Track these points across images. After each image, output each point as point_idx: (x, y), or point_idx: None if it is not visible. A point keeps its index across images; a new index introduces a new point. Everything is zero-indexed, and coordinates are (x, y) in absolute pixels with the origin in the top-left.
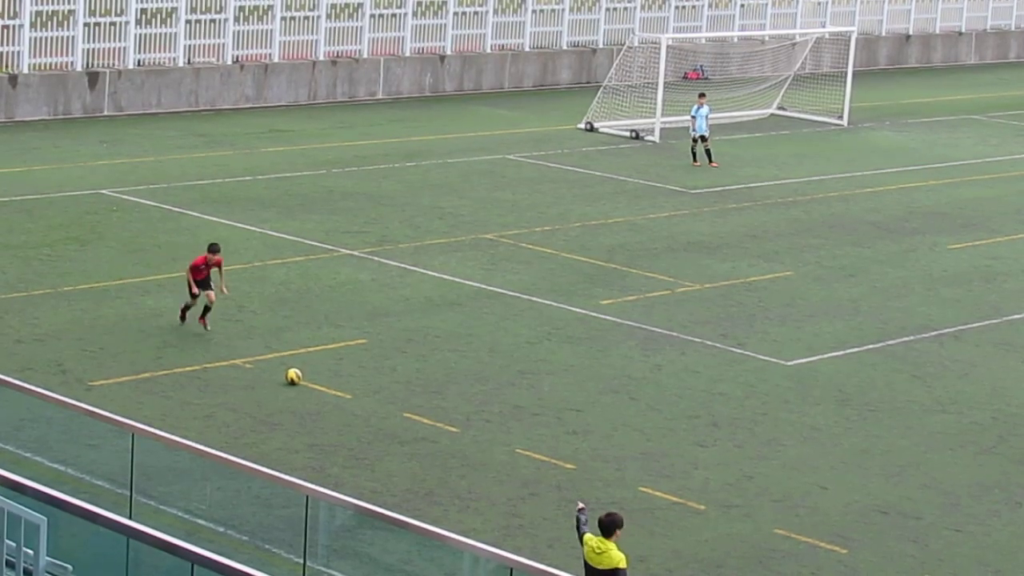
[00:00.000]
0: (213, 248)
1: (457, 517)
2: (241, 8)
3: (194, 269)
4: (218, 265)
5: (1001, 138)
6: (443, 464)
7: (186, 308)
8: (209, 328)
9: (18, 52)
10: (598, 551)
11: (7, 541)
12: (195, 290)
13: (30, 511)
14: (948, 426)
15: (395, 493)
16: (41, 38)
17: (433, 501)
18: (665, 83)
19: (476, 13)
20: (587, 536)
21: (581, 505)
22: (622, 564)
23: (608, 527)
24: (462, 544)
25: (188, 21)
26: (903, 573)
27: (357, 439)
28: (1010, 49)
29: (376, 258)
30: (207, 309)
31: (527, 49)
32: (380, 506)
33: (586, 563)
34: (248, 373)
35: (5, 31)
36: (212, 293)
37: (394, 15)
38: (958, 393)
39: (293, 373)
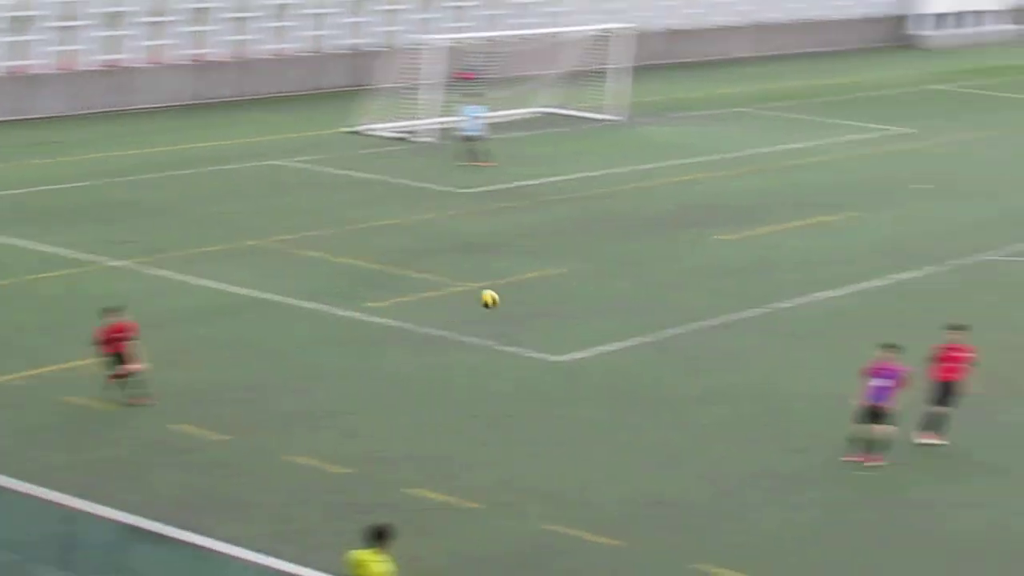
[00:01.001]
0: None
1: (227, 526)
2: (14, 19)
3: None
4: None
5: (770, 130)
6: (212, 473)
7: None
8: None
9: None
10: (359, 565)
11: None
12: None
13: None
14: (719, 417)
15: (164, 506)
16: None
17: (202, 511)
18: (437, 84)
19: (246, 18)
20: (352, 552)
21: None
22: None
23: (376, 537)
24: (231, 553)
25: None
26: (678, 562)
27: (126, 452)
28: (781, 42)
29: (149, 269)
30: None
31: (298, 53)
32: (149, 519)
33: None
34: (16, 390)
35: None
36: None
37: (163, 22)
38: (729, 385)
39: (488, 296)
